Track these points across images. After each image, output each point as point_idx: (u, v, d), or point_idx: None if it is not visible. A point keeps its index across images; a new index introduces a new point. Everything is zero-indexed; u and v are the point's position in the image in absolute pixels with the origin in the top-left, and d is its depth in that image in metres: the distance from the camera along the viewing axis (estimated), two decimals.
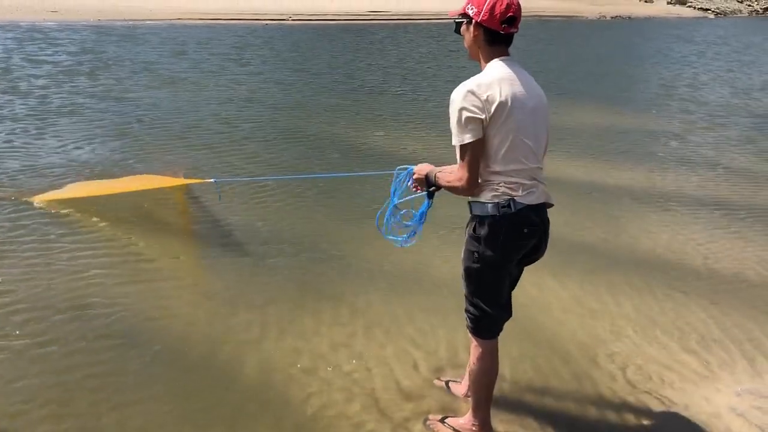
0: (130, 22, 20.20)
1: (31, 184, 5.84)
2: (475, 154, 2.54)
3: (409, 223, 3.05)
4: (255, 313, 3.96)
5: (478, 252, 2.66)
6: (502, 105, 2.50)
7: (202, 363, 3.48)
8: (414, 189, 2.94)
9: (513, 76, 2.57)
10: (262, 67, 13.37)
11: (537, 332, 3.85)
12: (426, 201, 2.91)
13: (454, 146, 2.60)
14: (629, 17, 32.37)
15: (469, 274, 2.75)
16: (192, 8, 24.16)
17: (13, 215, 5.15)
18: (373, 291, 4.28)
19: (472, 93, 2.51)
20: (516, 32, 2.61)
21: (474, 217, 2.68)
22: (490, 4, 2.54)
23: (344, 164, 6.95)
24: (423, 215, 2.99)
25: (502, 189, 2.58)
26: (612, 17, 32.04)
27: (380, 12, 27.26)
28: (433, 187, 2.80)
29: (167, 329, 3.76)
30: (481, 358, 2.84)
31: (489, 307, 2.76)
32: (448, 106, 2.58)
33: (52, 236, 4.81)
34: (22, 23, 18.11)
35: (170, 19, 21.55)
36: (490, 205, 2.60)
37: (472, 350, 2.88)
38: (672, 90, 12.81)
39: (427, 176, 2.79)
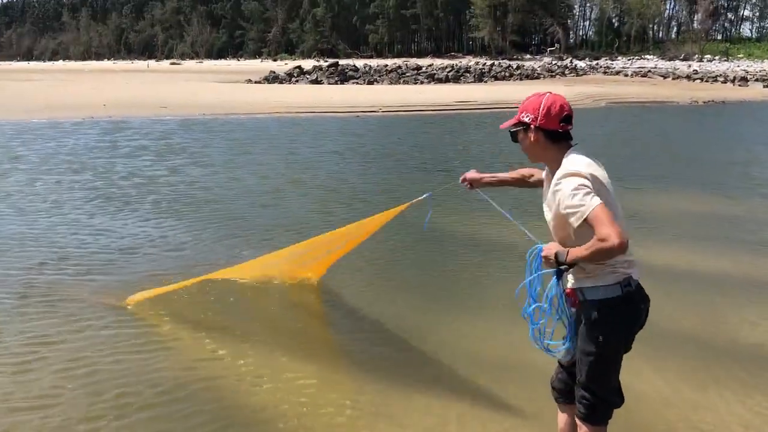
0: (234, 116, 21.62)
1: (135, 281, 5.79)
2: (609, 213, 2.49)
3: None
4: (347, 396, 4.04)
5: (603, 336, 2.68)
6: (602, 182, 2.64)
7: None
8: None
9: (592, 162, 2.72)
10: (354, 156, 13.93)
11: (636, 425, 3.70)
12: (554, 282, 2.78)
13: (577, 227, 2.56)
14: (723, 101, 31.64)
15: (590, 361, 2.74)
16: (290, 102, 25.65)
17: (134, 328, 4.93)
18: (467, 378, 4.27)
19: (578, 172, 2.62)
20: (571, 128, 2.78)
21: (592, 302, 2.70)
22: (545, 108, 2.73)
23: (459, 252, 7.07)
24: (558, 302, 2.86)
25: (621, 269, 2.65)
26: (704, 102, 31.43)
27: (468, 102, 27.93)
28: (564, 266, 2.68)
29: (259, 413, 3.88)
30: None
31: (606, 393, 2.78)
32: (552, 194, 2.70)
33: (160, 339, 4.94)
34: (115, 118, 19.76)
35: (271, 113, 22.92)
36: (613, 287, 2.65)
37: None
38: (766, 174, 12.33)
39: (557, 254, 2.68)
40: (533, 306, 2.91)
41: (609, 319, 2.66)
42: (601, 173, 2.68)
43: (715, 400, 4.04)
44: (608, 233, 2.43)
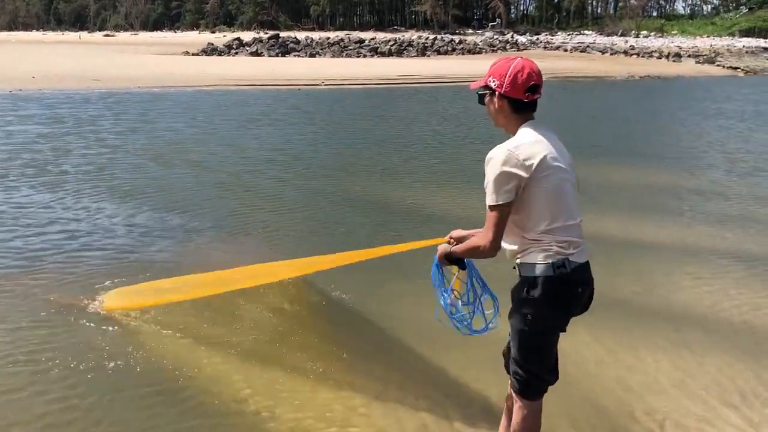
0: (174, 89, 21.00)
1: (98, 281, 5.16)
2: (504, 217, 2.58)
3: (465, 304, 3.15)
4: (290, 366, 4.00)
5: (531, 314, 2.65)
6: (541, 164, 2.56)
7: (236, 414, 3.51)
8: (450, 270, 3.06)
9: (543, 139, 2.65)
10: (288, 128, 13.75)
11: (573, 387, 3.79)
12: (468, 278, 3.01)
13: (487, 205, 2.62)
14: (658, 77, 32.58)
15: (521, 338, 2.72)
16: (229, 75, 25.09)
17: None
18: (408, 347, 4.29)
19: (511, 153, 2.57)
20: (539, 98, 2.70)
21: (525, 279, 2.66)
22: (512, 75, 2.63)
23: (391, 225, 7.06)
24: (475, 291, 3.10)
25: (555, 248, 2.60)
26: (641, 77, 32.31)
27: (411, 75, 27.92)
28: (458, 261, 2.92)
29: (209, 385, 3.82)
30: (526, 419, 2.81)
31: (539, 370, 2.75)
32: (484, 165, 2.64)
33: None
34: (46, 91, 18.98)
35: (209, 85, 22.38)
36: (543, 265, 2.60)
37: (516, 411, 2.84)
38: (698, 146, 12.76)
39: (446, 256, 2.91)
40: (445, 301, 3.10)
41: (538, 298, 2.61)
42: (547, 153, 2.60)
43: (647, 359, 4.18)
44: (485, 236, 2.63)
